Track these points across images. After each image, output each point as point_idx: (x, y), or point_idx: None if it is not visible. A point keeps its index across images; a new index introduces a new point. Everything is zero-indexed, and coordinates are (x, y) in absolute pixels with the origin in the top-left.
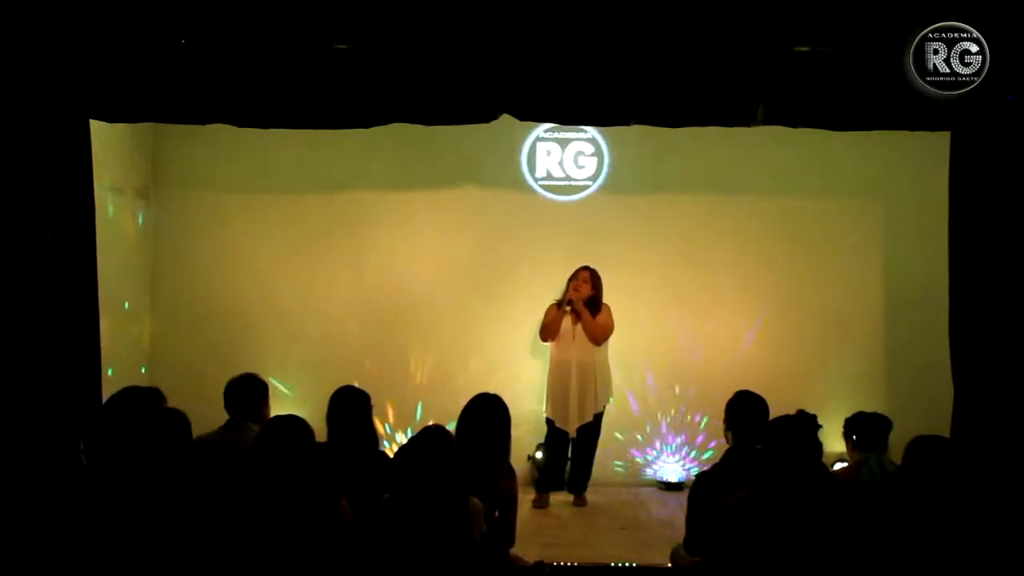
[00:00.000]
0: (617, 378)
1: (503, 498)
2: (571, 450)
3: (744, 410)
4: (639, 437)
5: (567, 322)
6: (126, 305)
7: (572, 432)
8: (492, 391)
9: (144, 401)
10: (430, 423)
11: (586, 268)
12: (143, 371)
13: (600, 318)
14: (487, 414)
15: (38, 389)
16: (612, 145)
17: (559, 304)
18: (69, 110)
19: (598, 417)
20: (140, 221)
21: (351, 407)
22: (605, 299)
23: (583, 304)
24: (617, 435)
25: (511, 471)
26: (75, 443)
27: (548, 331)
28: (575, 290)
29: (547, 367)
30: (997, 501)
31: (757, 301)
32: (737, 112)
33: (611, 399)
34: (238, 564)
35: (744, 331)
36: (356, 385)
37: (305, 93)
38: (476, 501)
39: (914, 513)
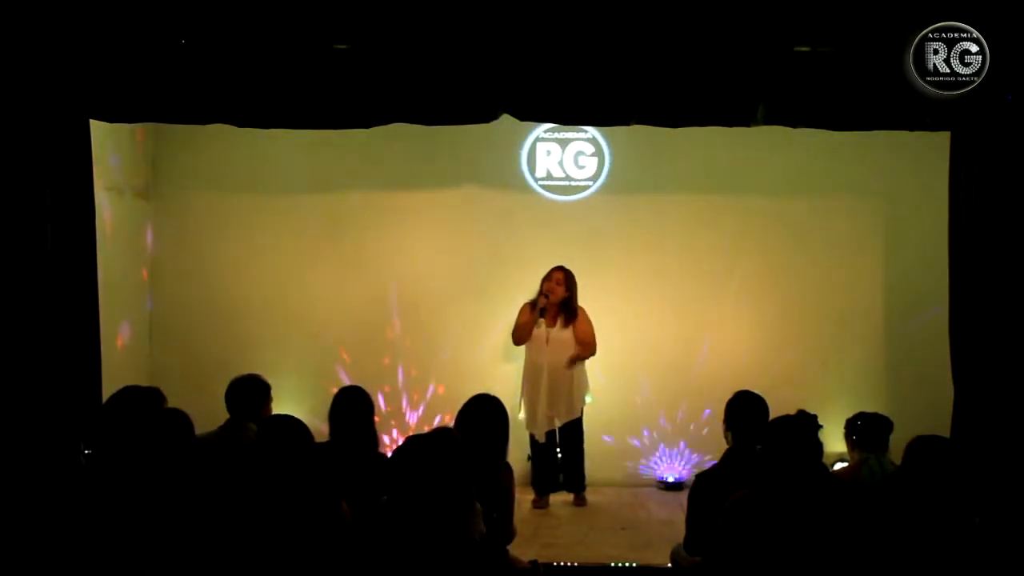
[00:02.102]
0: (617, 378)
1: (501, 496)
2: (560, 451)
3: (744, 410)
4: (639, 437)
5: (540, 326)
6: (125, 304)
7: (540, 436)
8: (492, 391)
9: (144, 401)
10: (438, 425)
11: (560, 269)
12: (143, 371)
13: (580, 331)
14: (485, 415)
15: (38, 389)
16: (612, 145)
17: (533, 305)
18: (69, 110)
19: (575, 422)
20: (140, 221)
21: (354, 407)
22: (604, 299)
23: (557, 304)
24: (622, 437)
25: (508, 468)
26: (75, 443)
27: (519, 334)
28: (548, 292)
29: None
30: (997, 501)
31: (757, 301)
32: (737, 112)
33: (589, 397)
34: (237, 565)
35: (744, 331)
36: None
37: (305, 93)
38: (476, 503)
39: (914, 513)
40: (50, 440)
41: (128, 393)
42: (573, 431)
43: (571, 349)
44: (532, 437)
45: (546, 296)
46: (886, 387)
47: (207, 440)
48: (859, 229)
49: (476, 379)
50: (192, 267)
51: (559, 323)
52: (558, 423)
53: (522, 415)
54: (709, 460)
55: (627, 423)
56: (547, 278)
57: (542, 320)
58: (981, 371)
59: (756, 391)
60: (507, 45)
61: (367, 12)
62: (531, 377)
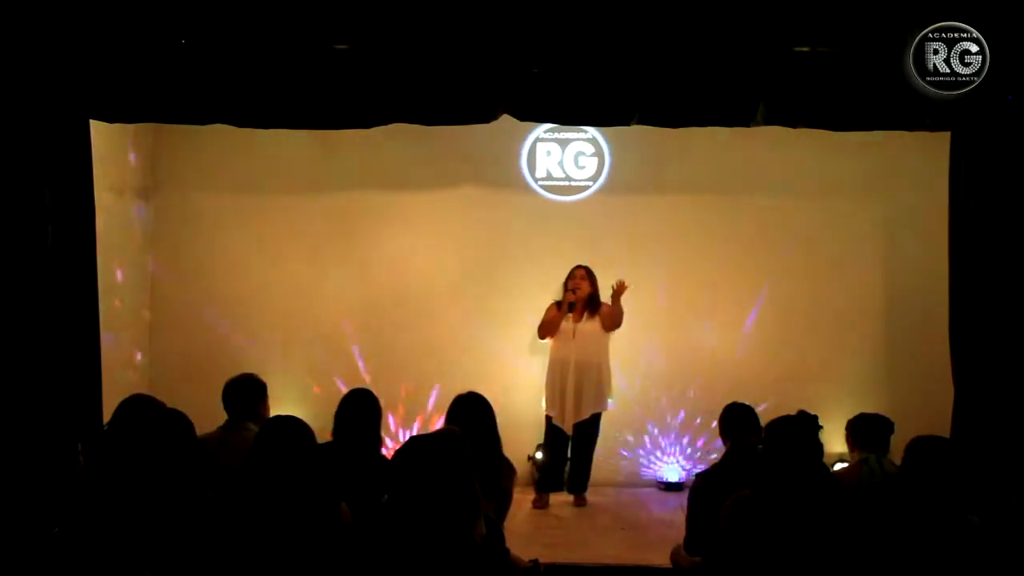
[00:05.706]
0: (617, 378)
1: (500, 497)
2: (570, 449)
3: (736, 420)
4: (638, 437)
5: (567, 321)
6: (125, 304)
7: (568, 429)
8: (491, 391)
9: (144, 403)
10: (439, 426)
11: (581, 267)
12: (142, 371)
13: (609, 313)
14: (471, 413)
15: (38, 390)
16: (612, 145)
17: (559, 305)
18: (69, 110)
19: (596, 417)
20: (140, 221)
21: (362, 411)
22: (603, 299)
23: (584, 300)
24: (617, 434)
25: (512, 469)
26: (73, 444)
27: (546, 329)
28: (574, 288)
29: (546, 365)
30: (997, 501)
31: (757, 301)
32: (737, 112)
33: (611, 399)
34: (238, 565)
35: (744, 331)
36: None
37: (305, 93)
38: (481, 505)
39: (914, 513)
40: (49, 440)
41: (131, 400)
42: (589, 429)
43: (599, 339)
44: (548, 429)
45: (573, 291)
46: (886, 387)
47: (207, 441)
48: (859, 229)
49: (477, 379)
50: (192, 267)
51: (585, 317)
52: (586, 414)
53: (546, 409)
54: (709, 460)
55: (628, 423)
56: (571, 276)
57: (569, 315)
58: (981, 371)
59: (757, 391)
60: (507, 45)
61: (367, 12)
62: (557, 371)
